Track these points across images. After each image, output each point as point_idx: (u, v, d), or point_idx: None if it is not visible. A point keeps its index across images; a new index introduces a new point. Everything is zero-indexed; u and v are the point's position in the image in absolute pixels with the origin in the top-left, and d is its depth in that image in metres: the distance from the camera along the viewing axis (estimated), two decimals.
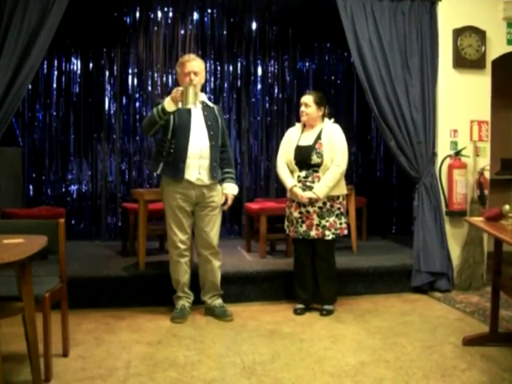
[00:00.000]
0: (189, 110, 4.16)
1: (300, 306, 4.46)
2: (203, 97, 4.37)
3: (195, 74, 4.19)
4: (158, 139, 4.25)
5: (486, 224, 3.53)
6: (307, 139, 4.40)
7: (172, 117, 4.09)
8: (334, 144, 4.31)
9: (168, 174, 4.16)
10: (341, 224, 4.39)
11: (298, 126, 4.56)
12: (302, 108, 4.42)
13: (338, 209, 4.38)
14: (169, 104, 3.96)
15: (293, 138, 4.47)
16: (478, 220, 3.76)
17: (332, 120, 4.49)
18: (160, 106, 4.00)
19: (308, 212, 4.33)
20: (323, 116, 4.46)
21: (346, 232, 4.49)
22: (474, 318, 4.32)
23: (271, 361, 3.41)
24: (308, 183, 4.30)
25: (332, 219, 4.33)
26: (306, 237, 4.35)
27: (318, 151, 4.29)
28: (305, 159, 4.32)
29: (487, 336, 3.71)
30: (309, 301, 4.49)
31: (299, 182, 4.33)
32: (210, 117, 4.27)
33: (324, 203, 4.32)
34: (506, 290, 3.60)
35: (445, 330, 4.03)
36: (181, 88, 3.95)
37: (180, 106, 3.97)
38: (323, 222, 4.31)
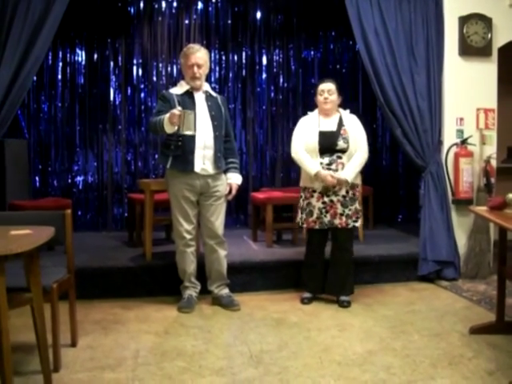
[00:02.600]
0: (193, 100, 4.17)
1: (307, 295, 4.45)
2: (206, 86, 4.35)
3: (199, 66, 4.17)
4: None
5: (490, 213, 3.52)
6: (328, 125, 4.33)
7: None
8: (357, 133, 4.30)
9: (178, 167, 4.15)
10: (361, 211, 4.42)
11: (312, 114, 4.47)
12: (326, 95, 4.33)
13: (357, 196, 4.39)
14: (168, 126, 3.95)
15: (311, 125, 4.37)
16: (482, 209, 3.75)
17: (348, 110, 4.46)
18: (160, 123, 3.98)
19: (332, 201, 4.27)
20: (339, 105, 4.45)
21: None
22: (480, 306, 4.32)
23: (278, 350, 3.42)
24: (332, 171, 4.23)
25: (354, 207, 4.31)
26: (330, 226, 4.31)
27: (343, 137, 4.24)
28: (330, 144, 4.24)
29: (494, 325, 3.71)
30: (317, 290, 4.49)
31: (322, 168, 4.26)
32: (214, 107, 4.26)
33: (347, 191, 4.28)
34: None
35: (452, 319, 4.04)
36: (177, 112, 3.88)
37: (177, 129, 3.94)
38: (346, 210, 4.28)
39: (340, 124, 4.32)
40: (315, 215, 4.33)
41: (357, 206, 4.35)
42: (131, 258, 4.93)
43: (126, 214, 6.76)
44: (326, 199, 4.30)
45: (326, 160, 4.26)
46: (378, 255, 5.11)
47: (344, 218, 4.28)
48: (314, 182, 4.28)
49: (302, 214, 4.41)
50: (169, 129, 3.96)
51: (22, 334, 3.48)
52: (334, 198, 4.28)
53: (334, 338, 3.64)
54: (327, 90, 4.35)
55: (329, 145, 4.26)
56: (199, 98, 4.23)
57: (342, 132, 4.27)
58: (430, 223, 5.09)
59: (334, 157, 4.26)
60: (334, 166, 4.24)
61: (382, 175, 7.46)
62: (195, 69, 4.15)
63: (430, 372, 3.07)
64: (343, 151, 4.25)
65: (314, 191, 4.32)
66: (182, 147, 4.10)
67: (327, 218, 4.30)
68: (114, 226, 6.87)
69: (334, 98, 4.36)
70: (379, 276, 5.06)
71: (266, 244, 5.45)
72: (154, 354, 3.35)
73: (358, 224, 4.40)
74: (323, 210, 4.30)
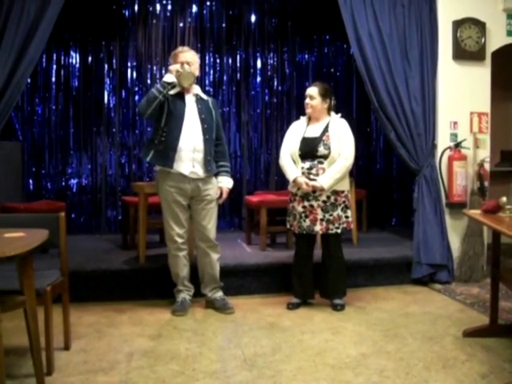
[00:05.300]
0: (183, 101, 4.16)
1: (294, 300, 4.43)
2: (197, 89, 4.33)
3: (188, 64, 4.16)
4: (153, 127, 4.25)
5: (483, 216, 3.52)
6: (314, 131, 4.32)
7: (166, 103, 4.08)
8: (341, 138, 4.24)
9: (158, 161, 4.14)
10: (347, 218, 4.32)
11: (303, 119, 4.47)
12: (307, 100, 4.34)
13: (343, 202, 4.29)
14: (168, 76, 4.06)
15: (298, 130, 4.38)
16: (475, 213, 3.75)
17: (339, 115, 4.42)
18: (159, 83, 4.09)
19: (312, 206, 4.26)
20: (329, 109, 4.39)
21: (352, 226, 4.46)
22: (474, 309, 4.33)
23: (272, 353, 3.42)
24: (312, 176, 4.22)
25: (336, 213, 4.25)
26: (309, 232, 4.29)
27: (325, 143, 4.21)
28: (311, 150, 4.24)
29: (487, 328, 3.71)
30: (305, 296, 4.46)
31: (302, 173, 4.24)
32: (204, 110, 4.24)
33: (328, 197, 4.24)
34: (505, 281, 3.61)
35: (445, 322, 4.04)
36: (177, 65, 4.07)
37: (177, 81, 4.07)
38: (327, 216, 4.24)
39: (325, 130, 4.29)
40: (297, 219, 4.34)
41: (339, 212, 4.27)
42: (125, 260, 4.91)
43: (119, 217, 6.76)
44: (306, 203, 4.28)
45: (307, 165, 4.26)
46: (371, 258, 5.11)
47: (324, 224, 4.25)
48: (294, 186, 4.32)
49: (288, 217, 4.44)
50: (168, 77, 4.07)
51: (15, 337, 3.46)
52: (315, 203, 4.26)
53: (327, 341, 3.64)
54: (309, 95, 4.35)
55: (309, 151, 4.25)
56: (189, 101, 4.21)
57: (324, 138, 4.24)
58: (424, 226, 5.10)
59: (315, 162, 4.24)
60: (314, 171, 4.23)
61: (376, 178, 7.49)
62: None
63: (423, 375, 3.07)
64: (325, 157, 4.23)
65: (296, 195, 4.33)
66: (165, 143, 4.09)
67: (306, 223, 4.29)
68: (107, 229, 6.87)
69: (315, 102, 4.31)
70: (373, 279, 5.07)
71: (260, 247, 5.45)
72: (147, 358, 3.33)
73: (340, 231, 4.30)
74: (303, 215, 4.30)
